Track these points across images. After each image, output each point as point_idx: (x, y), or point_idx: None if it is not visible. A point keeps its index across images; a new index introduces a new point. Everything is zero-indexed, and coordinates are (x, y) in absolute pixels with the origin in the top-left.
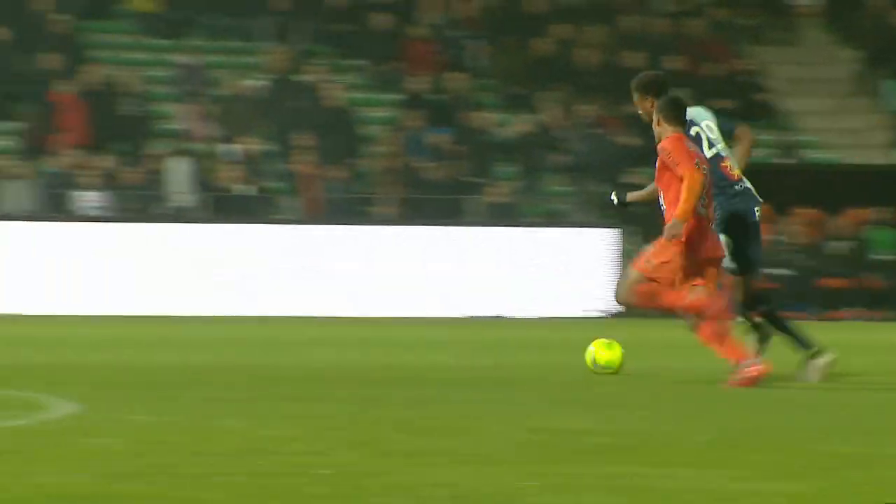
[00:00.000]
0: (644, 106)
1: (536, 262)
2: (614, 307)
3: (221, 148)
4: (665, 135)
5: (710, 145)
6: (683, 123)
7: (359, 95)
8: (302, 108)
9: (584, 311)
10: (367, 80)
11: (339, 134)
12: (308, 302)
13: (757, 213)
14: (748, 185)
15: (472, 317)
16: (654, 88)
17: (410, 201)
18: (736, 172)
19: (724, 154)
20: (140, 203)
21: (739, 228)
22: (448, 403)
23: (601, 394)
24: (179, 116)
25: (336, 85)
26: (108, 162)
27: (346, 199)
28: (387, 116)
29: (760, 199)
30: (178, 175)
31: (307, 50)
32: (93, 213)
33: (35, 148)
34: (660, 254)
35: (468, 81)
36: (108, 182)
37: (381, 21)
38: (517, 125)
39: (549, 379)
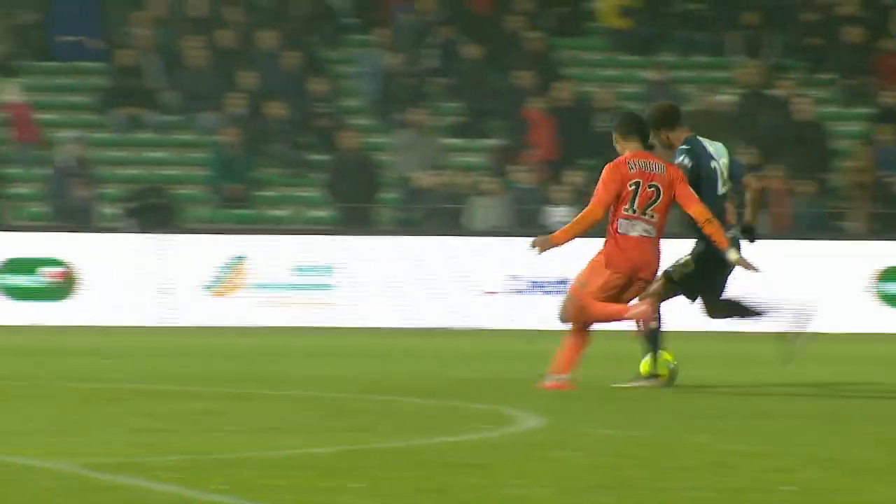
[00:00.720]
0: (658, 138)
1: None
2: None
3: None
4: (623, 151)
5: (723, 184)
6: (643, 139)
7: (829, 109)
8: (772, 123)
9: None
10: (837, 93)
11: (810, 148)
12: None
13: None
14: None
15: None
16: (663, 122)
17: (881, 216)
18: (730, 217)
19: (726, 194)
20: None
21: (711, 261)
22: None
23: None
24: None
25: (806, 99)
26: (577, 177)
27: (815, 214)
28: (857, 131)
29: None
30: None
31: (778, 64)
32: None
33: (506, 164)
34: (594, 276)
35: None
36: (578, 198)
37: (852, 34)
38: None
39: None
